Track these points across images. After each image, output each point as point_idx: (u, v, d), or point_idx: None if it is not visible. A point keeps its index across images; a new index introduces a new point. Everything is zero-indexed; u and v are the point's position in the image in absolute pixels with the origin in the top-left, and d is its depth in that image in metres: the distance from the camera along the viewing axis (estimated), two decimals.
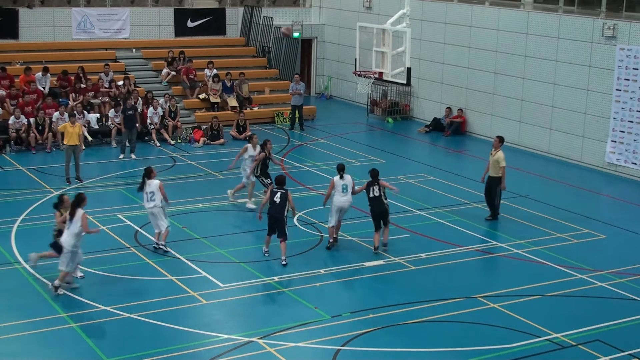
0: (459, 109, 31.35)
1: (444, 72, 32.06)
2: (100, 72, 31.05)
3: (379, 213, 18.68)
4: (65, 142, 23.79)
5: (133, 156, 26.57)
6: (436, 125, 31.69)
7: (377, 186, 18.73)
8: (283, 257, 17.96)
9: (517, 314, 15.73)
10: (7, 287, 16.42)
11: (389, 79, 24.85)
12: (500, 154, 20.93)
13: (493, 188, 21.08)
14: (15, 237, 19.08)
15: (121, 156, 26.57)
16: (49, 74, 30.03)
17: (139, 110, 28.43)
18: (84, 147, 24.97)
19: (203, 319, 15.32)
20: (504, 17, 29.58)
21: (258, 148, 21.52)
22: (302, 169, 25.73)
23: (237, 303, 16.20)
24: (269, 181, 21.06)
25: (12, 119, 27.21)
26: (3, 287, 16.43)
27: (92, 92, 29.89)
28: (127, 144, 26.79)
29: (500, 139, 21.32)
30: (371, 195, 18.71)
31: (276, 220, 17.97)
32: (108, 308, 15.45)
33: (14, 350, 13.97)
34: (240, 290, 16.64)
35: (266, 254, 18.35)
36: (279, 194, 17.94)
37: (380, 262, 18.22)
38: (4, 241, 18.71)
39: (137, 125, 27.23)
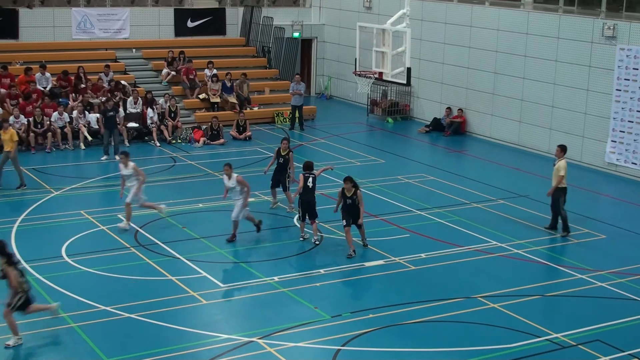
0: (459, 109, 31.35)
1: (444, 72, 32.06)
2: (100, 72, 31.05)
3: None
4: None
5: (117, 157, 26.49)
6: (436, 125, 31.69)
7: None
8: (315, 237, 19.08)
9: (517, 314, 15.72)
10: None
11: (389, 79, 24.87)
12: (561, 163, 20.18)
13: (557, 199, 20.30)
14: (15, 237, 19.05)
15: (104, 157, 26.43)
16: (47, 73, 30.01)
17: (139, 110, 28.43)
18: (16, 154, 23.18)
19: (203, 319, 15.32)
20: (504, 17, 29.58)
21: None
22: (301, 170, 25.65)
23: (237, 303, 16.21)
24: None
25: (12, 119, 27.19)
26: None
27: (92, 92, 29.89)
28: (111, 145, 26.69)
29: (562, 148, 20.47)
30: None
31: (309, 204, 19.02)
32: (108, 308, 15.45)
33: (16, 351, 13.95)
34: (241, 290, 16.66)
35: (303, 239, 19.12)
36: (310, 179, 19.08)
37: (381, 262, 18.22)
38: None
39: (119, 126, 27.13)
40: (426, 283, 17.29)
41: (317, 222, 19.29)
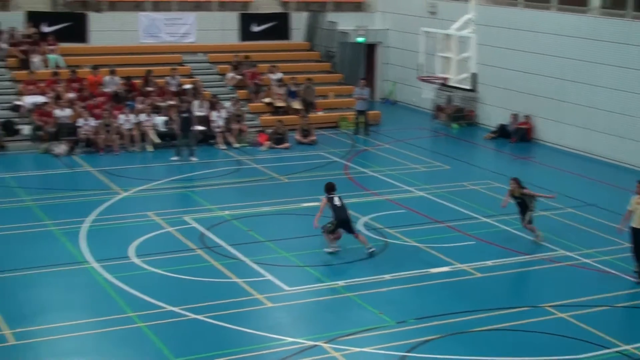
0: (526, 116, 31.00)
1: (509, 78, 31.74)
2: (167, 76, 31.42)
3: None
4: None
5: (193, 159, 26.75)
6: (502, 132, 31.38)
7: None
8: (369, 246, 18.69)
9: (585, 325, 15.46)
10: (77, 285, 16.68)
11: (454, 84, 24.68)
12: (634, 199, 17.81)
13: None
14: (86, 237, 19.35)
15: (175, 158, 26.75)
16: (116, 77, 30.50)
17: (205, 113, 28.71)
18: None
19: (268, 321, 15.36)
20: (570, 22, 29.19)
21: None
22: (366, 174, 25.69)
23: (302, 307, 16.22)
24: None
25: (81, 121, 27.68)
26: (73, 285, 16.69)
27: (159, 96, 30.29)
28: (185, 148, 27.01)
29: None
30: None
31: (345, 222, 18.52)
32: (175, 309, 15.58)
33: (83, 348, 14.17)
34: (305, 294, 16.66)
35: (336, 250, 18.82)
36: (336, 198, 18.58)
37: (446, 268, 18.09)
38: (73, 241, 19.00)
39: (193, 128, 27.41)
40: (492, 291, 17.12)
41: (360, 234, 19.07)
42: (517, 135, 30.79)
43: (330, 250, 18.76)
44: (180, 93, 30.64)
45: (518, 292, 17.03)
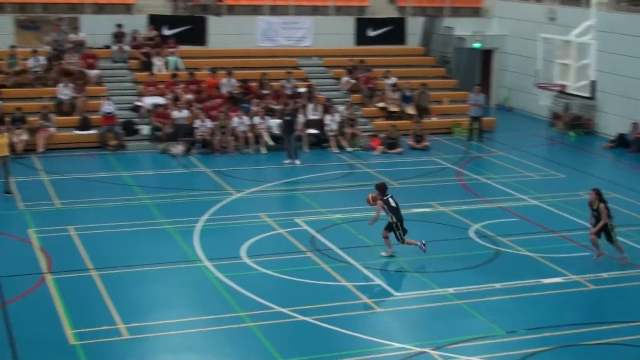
0: None
1: (630, 85, 30.83)
2: (282, 79, 31.78)
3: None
4: None
5: (297, 162, 26.95)
6: (621, 141, 30.52)
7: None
8: (422, 242, 18.62)
9: None
10: (190, 283, 17.02)
11: (572, 92, 24.20)
12: None
13: None
14: (200, 235, 19.74)
15: (287, 161, 27.01)
16: (233, 79, 31.03)
17: (319, 117, 28.93)
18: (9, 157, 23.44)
19: (376, 326, 15.35)
20: None
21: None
22: (479, 181, 25.40)
23: (411, 312, 16.13)
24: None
25: (197, 122, 28.27)
26: (185, 283, 17.05)
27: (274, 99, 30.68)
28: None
29: None
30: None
31: (403, 222, 18.51)
32: (284, 310, 15.72)
33: (194, 345, 14.44)
34: (414, 300, 16.57)
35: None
36: (391, 199, 18.57)
37: (559, 279, 17.71)
38: (187, 239, 19.40)
39: (296, 131, 27.53)
40: (605, 304, 16.69)
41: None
42: (637, 145, 29.89)
43: (386, 254, 18.68)
44: (294, 96, 30.95)
45: (633, 306, 16.50)
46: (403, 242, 18.58)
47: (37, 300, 15.93)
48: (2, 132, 23.28)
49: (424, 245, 18.62)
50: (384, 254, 18.71)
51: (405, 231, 18.59)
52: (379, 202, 18.51)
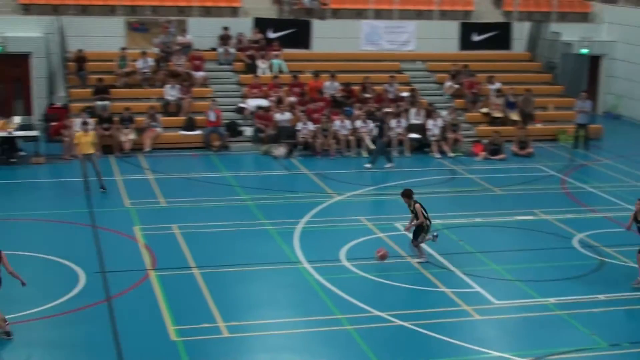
0: None
1: None
2: (385, 83, 31.75)
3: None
4: (79, 152, 23.22)
5: (387, 165, 26.88)
6: None
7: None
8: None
9: None
10: (289, 284, 17.15)
11: None
12: None
13: None
14: (300, 237, 19.87)
15: (388, 165, 26.91)
16: (336, 82, 31.17)
17: (421, 122, 28.84)
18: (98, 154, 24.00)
19: (475, 333, 15.17)
20: None
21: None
22: (584, 190, 24.86)
23: (511, 321, 15.89)
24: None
25: (300, 125, 28.48)
26: (285, 284, 17.18)
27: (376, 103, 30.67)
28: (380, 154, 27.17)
29: None
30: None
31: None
32: (382, 314, 15.70)
33: (292, 345, 14.54)
34: (515, 309, 16.31)
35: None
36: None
37: None
38: (287, 241, 19.55)
39: (384, 137, 27.25)
40: None
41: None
42: None
43: (422, 260, 18.46)
44: (397, 100, 30.90)
45: None
46: (418, 245, 18.44)
47: (141, 295, 16.30)
48: (87, 131, 23.44)
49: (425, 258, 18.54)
50: (419, 260, 18.49)
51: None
52: (417, 205, 18.34)
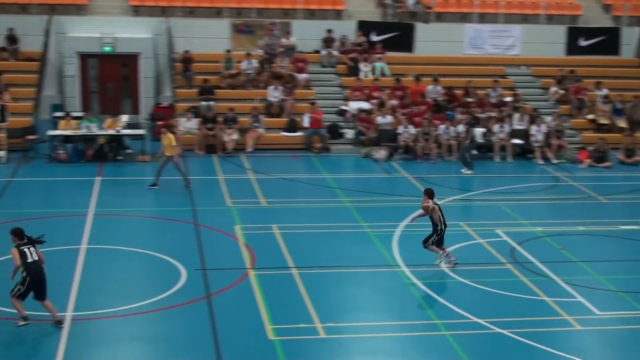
0: None
1: None
2: (488, 88, 31.41)
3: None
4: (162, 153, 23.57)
5: (463, 171, 26.52)
6: None
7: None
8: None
9: None
10: (387, 288, 17.10)
11: None
12: None
13: None
14: (398, 241, 19.82)
15: (463, 170, 26.64)
16: (439, 87, 31.01)
17: (525, 127, 28.47)
18: (178, 155, 24.02)
19: (575, 344, 14.85)
20: None
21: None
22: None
23: (613, 333, 15.50)
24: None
25: (401, 128, 28.41)
26: (383, 287, 17.15)
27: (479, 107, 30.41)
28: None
29: None
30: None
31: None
32: (480, 321, 15.51)
33: (388, 349, 14.49)
34: (617, 321, 15.90)
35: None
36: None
37: None
38: (386, 244, 19.53)
39: (468, 141, 27.01)
40: None
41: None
42: None
43: (450, 264, 18.04)
44: (500, 105, 30.54)
45: None
46: (427, 246, 18.09)
47: (240, 294, 16.49)
48: (166, 134, 23.64)
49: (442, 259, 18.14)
50: (446, 266, 18.06)
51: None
52: (435, 206, 17.98)
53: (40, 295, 14.42)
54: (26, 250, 14.26)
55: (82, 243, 18.83)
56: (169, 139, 23.40)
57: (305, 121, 29.14)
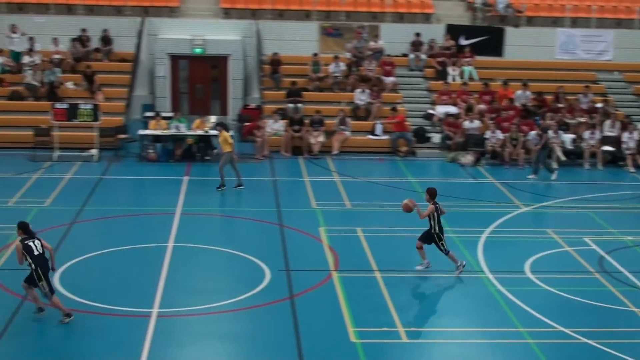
0: None
1: None
2: (579, 93, 30.87)
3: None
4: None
5: (552, 176, 26.07)
6: None
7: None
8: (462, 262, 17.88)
9: None
10: (471, 293, 16.94)
11: None
12: None
13: None
14: (483, 246, 19.62)
15: (531, 176, 26.19)
16: (528, 92, 30.61)
17: (616, 134, 27.90)
18: (230, 154, 23.80)
19: None
20: None
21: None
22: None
23: None
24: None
25: (488, 133, 28.13)
26: (467, 293, 17.00)
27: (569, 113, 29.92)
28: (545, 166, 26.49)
29: None
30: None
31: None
32: (566, 330, 15.21)
33: (470, 355, 14.34)
34: None
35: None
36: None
37: None
38: (471, 249, 19.34)
39: (544, 147, 26.47)
40: None
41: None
42: None
43: (422, 267, 17.81)
44: (590, 111, 29.99)
45: None
46: (448, 253, 17.71)
47: (323, 296, 16.55)
48: (220, 131, 24.09)
49: (463, 266, 17.71)
50: (419, 267, 17.78)
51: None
52: (432, 206, 17.55)
53: (34, 283, 14.65)
54: (31, 244, 14.56)
55: (169, 241, 19.15)
56: (223, 136, 23.83)
57: (378, 129, 29.08)
